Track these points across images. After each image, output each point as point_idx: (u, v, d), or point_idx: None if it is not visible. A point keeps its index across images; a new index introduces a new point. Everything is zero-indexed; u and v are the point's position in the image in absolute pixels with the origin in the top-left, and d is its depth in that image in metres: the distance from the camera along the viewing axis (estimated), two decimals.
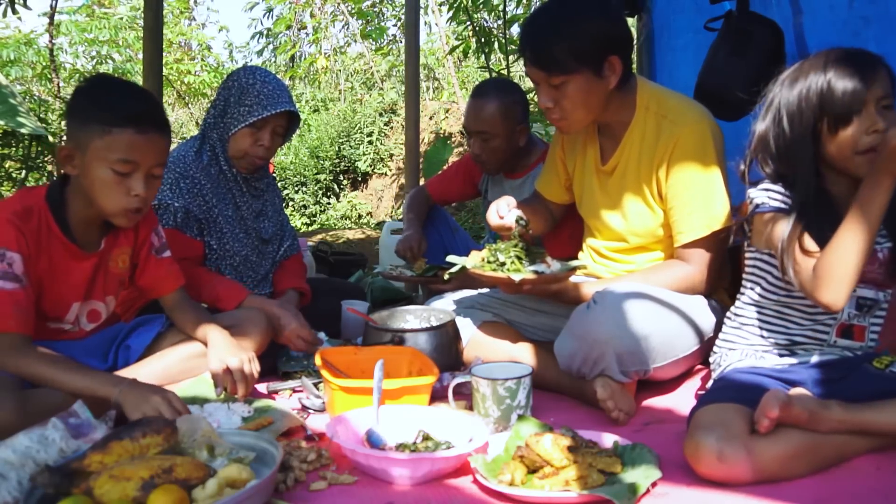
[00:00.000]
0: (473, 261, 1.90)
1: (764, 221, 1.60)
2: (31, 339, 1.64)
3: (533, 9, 6.18)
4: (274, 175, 2.52)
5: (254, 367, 1.78)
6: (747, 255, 1.71)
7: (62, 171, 1.72)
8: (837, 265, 1.43)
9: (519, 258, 1.87)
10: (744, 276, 1.73)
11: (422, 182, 4.39)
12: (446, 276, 2.00)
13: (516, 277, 1.78)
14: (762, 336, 1.66)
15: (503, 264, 1.85)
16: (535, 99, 2.00)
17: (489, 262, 1.87)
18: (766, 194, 1.59)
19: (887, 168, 1.40)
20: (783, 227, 1.54)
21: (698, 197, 1.86)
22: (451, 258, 1.95)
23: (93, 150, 1.62)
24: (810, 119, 1.53)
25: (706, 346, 1.89)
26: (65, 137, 1.73)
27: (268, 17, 11.41)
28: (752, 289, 1.69)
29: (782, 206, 1.56)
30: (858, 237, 1.42)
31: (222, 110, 2.21)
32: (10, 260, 1.60)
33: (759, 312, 1.67)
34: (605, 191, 2.05)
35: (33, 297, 1.67)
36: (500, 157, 2.58)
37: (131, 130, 1.61)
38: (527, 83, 7.76)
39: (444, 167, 3.51)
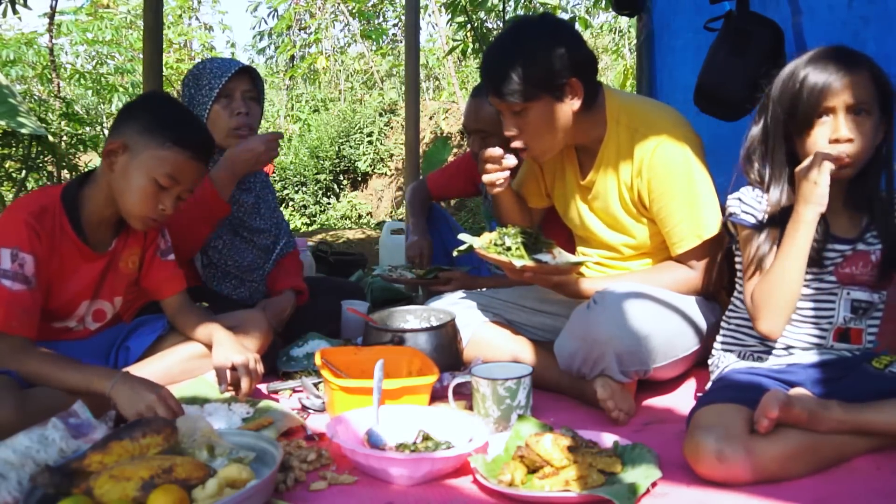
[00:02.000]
0: (482, 241, 1.89)
1: (739, 231, 1.62)
2: (32, 342, 1.65)
3: (532, 10, 6.20)
4: (274, 174, 2.52)
5: (259, 367, 1.80)
6: (737, 257, 1.71)
7: (81, 172, 1.74)
8: (770, 295, 1.49)
9: (525, 245, 1.85)
10: (736, 278, 1.73)
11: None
12: (455, 253, 1.98)
13: (518, 263, 1.78)
14: (758, 338, 1.66)
15: (509, 248, 1.84)
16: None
17: (496, 244, 1.87)
18: (738, 204, 1.61)
19: (803, 199, 1.45)
20: (749, 245, 1.57)
21: (684, 207, 1.85)
22: (462, 236, 1.94)
23: (146, 157, 1.68)
24: (782, 120, 1.53)
25: (706, 346, 1.88)
26: (111, 134, 1.75)
27: (272, 17, 11.43)
28: (742, 292, 1.69)
29: (752, 220, 1.58)
30: (787, 268, 1.47)
31: (189, 104, 2.21)
32: (22, 261, 1.62)
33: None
34: (589, 206, 2.04)
35: (40, 300, 1.68)
36: None
37: (189, 154, 1.71)
38: None
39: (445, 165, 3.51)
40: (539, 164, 2.11)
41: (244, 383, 1.76)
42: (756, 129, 1.59)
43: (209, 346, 1.84)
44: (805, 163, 1.46)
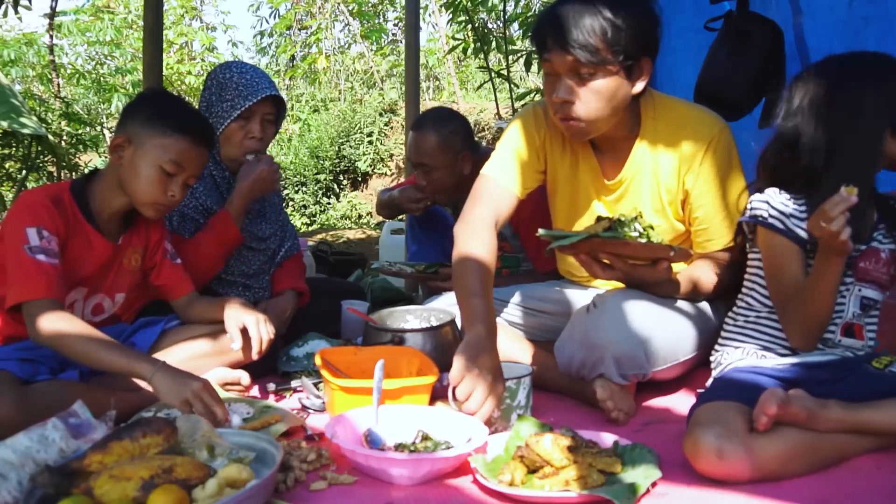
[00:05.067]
0: (594, 228, 1.63)
1: (763, 234, 1.61)
2: (62, 305, 1.68)
3: (533, 9, 6.19)
4: None
5: (269, 328, 1.89)
6: (750, 255, 1.71)
7: (81, 172, 1.78)
8: (807, 321, 1.57)
9: (651, 226, 1.65)
10: (746, 275, 1.73)
11: None
12: (554, 245, 1.68)
13: (662, 243, 1.61)
14: (767, 335, 1.66)
15: (640, 234, 1.61)
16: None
17: (619, 229, 1.59)
18: (766, 208, 1.62)
19: (830, 252, 1.48)
20: (786, 260, 1.60)
21: (729, 205, 1.83)
22: (541, 232, 1.71)
23: (149, 147, 1.78)
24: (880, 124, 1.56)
25: (707, 347, 1.87)
26: (116, 131, 1.89)
27: (273, 17, 11.46)
28: (754, 289, 1.69)
29: (778, 224, 1.60)
30: (825, 302, 1.54)
31: (205, 111, 2.19)
32: (48, 239, 1.70)
33: (763, 311, 1.67)
34: (609, 207, 1.93)
35: (63, 275, 1.73)
36: (445, 187, 2.53)
37: (189, 139, 1.81)
38: (529, 83, 7.75)
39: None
40: (579, 140, 1.87)
41: (254, 341, 1.86)
42: (791, 126, 1.62)
43: (222, 321, 1.89)
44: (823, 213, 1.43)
